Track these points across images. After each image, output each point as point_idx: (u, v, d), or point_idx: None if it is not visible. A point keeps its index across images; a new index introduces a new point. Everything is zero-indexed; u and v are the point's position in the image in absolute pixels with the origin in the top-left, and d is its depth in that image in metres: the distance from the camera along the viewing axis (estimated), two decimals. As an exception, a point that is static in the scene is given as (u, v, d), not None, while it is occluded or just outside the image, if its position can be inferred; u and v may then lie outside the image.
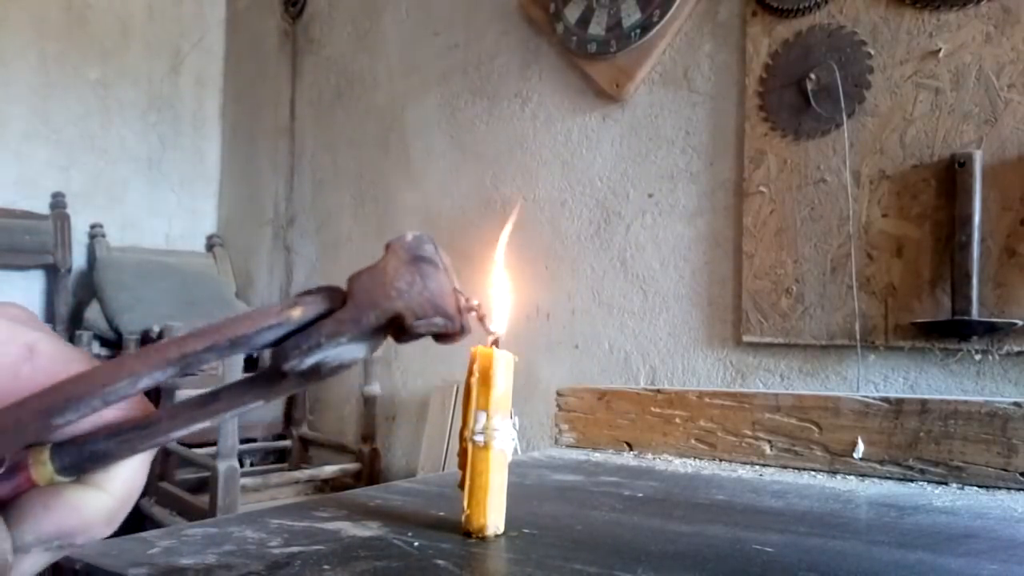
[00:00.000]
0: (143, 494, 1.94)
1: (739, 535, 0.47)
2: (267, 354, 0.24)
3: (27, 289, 2.48)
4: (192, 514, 1.81)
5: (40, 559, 0.23)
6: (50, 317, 2.46)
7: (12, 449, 0.22)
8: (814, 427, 0.73)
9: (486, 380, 0.45)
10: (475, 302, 0.28)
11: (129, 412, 0.24)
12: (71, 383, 0.22)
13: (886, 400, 0.70)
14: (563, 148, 1.92)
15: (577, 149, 1.89)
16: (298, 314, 0.24)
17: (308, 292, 0.25)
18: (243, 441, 2.06)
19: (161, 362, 0.23)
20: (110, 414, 0.23)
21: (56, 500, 0.23)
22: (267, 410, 2.32)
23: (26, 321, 0.24)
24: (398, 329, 0.25)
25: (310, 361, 0.24)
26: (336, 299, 0.25)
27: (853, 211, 1.41)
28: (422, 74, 2.28)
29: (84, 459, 0.23)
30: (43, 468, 0.22)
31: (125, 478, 0.24)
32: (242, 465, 1.98)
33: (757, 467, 0.74)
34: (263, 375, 0.25)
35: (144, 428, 0.24)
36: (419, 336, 0.25)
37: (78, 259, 2.58)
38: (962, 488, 0.64)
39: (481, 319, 0.31)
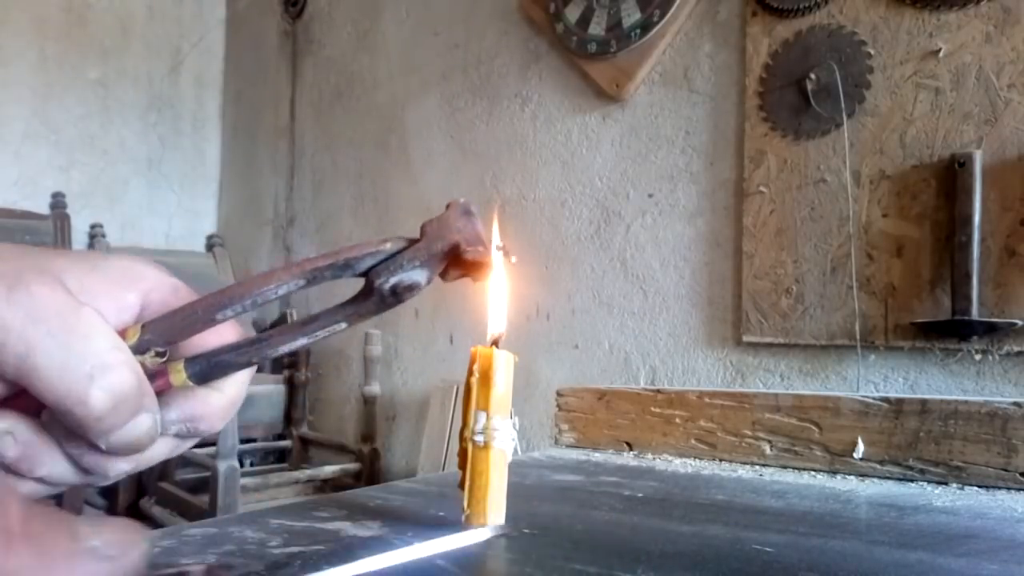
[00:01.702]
0: (143, 494, 1.94)
1: (739, 535, 0.47)
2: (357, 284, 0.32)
3: (27, 289, 2.48)
4: (192, 514, 1.81)
5: (169, 444, 0.30)
6: (50, 317, 2.46)
7: (186, 335, 0.29)
8: (814, 427, 0.73)
9: (486, 380, 0.45)
10: (501, 244, 0.39)
11: (244, 334, 0.31)
12: (231, 288, 0.30)
13: (886, 400, 0.70)
14: (563, 148, 1.92)
15: (577, 149, 1.89)
16: (389, 246, 0.32)
17: (391, 238, 0.32)
18: (243, 441, 2.06)
19: (297, 274, 0.30)
20: (230, 334, 0.31)
21: (190, 393, 0.30)
22: (267, 410, 2.32)
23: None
24: (454, 257, 0.33)
25: (394, 280, 0.31)
26: (412, 240, 0.33)
27: (853, 211, 1.41)
28: (422, 74, 2.28)
29: (211, 368, 0.30)
30: (179, 375, 0.29)
31: (237, 383, 0.31)
32: (242, 465, 1.98)
33: (757, 467, 0.74)
34: (352, 300, 0.32)
35: (256, 344, 0.30)
36: (466, 266, 0.33)
37: (78, 259, 2.58)
38: (962, 488, 0.64)
39: (506, 254, 0.40)
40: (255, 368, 0.32)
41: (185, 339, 0.30)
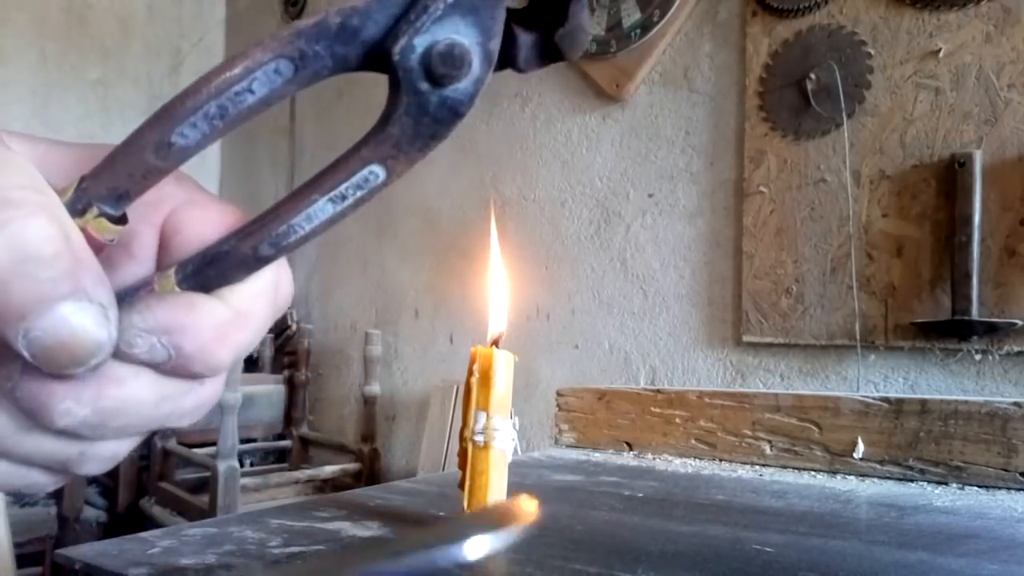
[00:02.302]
0: (143, 494, 1.93)
1: (739, 535, 0.47)
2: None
3: (27, 289, 2.48)
4: (192, 514, 1.81)
5: (145, 379, 0.20)
6: (50, 317, 2.46)
7: (141, 184, 0.21)
8: (814, 427, 0.73)
9: (486, 380, 0.45)
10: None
11: (242, 218, 0.22)
12: (182, 95, 0.21)
13: (886, 400, 0.70)
14: (563, 148, 1.92)
15: (577, 149, 1.89)
16: None
17: None
18: (243, 441, 2.06)
19: (275, 50, 0.20)
20: (228, 219, 0.22)
21: (170, 295, 0.21)
22: (267, 410, 2.32)
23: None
24: (542, 36, 0.23)
25: (420, 44, 0.20)
26: None
27: (853, 211, 1.41)
28: (422, 74, 2.28)
29: (206, 264, 0.21)
30: (166, 282, 0.21)
31: (247, 294, 0.21)
32: (242, 465, 1.98)
33: (757, 467, 0.74)
34: (380, 122, 0.22)
35: (262, 224, 0.21)
36: (552, 53, 0.23)
37: (78, 259, 2.58)
38: (962, 488, 0.64)
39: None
40: (272, 273, 0.22)
41: (141, 191, 0.21)
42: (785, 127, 1.50)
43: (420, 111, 0.21)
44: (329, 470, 2.06)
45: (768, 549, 0.44)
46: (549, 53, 0.24)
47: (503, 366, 0.45)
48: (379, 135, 0.22)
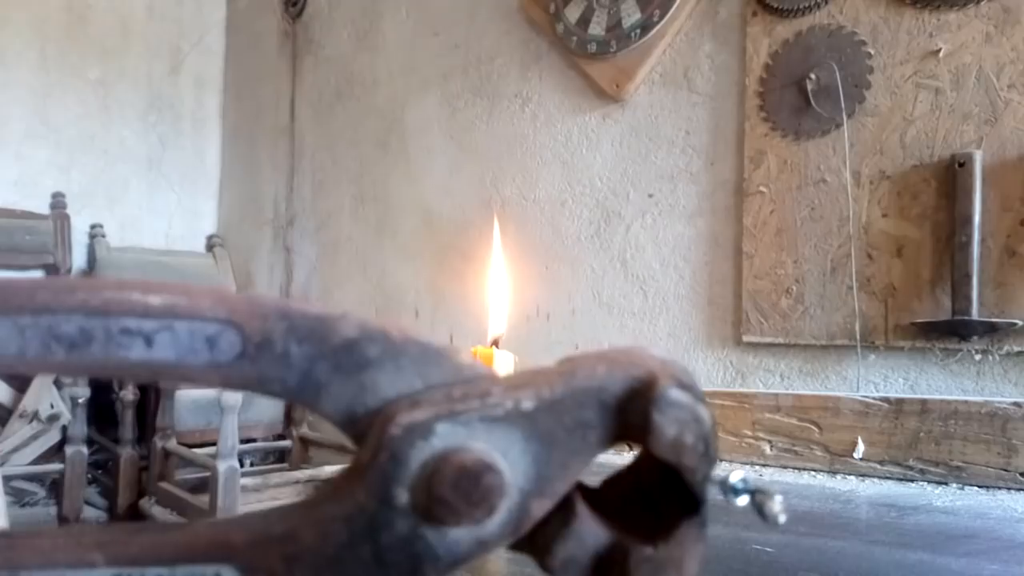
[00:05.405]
0: (143, 494, 1.93)
1: (739, 535, 0.47)
2: None
3: (27, 289, 2.48)
4: (192, 514, 1.80)
5: None
6: (50, 317, 2.46)
7: None
8: (814, 427, 0.73)
9: (486, 380, 0.45)
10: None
11: None
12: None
13: (886, 400, 0.70)
14: (563, 148, 1.92)
15: (577, 149, 1.89)
16: None
17: None
18: (243, 441, 2.06)
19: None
20: None
21: None
22: (267, 410, 2.32)
23: None
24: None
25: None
26: None
27: (853, 211, 1.41)
28: (422, 74, 2.28)
29: None
30: None
31: None
32: (242, 465, 1.98)
33: (757, 467, 0.74)
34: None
35: None
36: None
37: (78, 259, 2.58)
38: (962, 488, 0.64)
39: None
40: None
41: None
42: (785, 127, 1.50)
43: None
44: (329, 470, 2.06)
45: (768, 549, 0.44)
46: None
47: (503, 366, 0.45)
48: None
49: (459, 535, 0.14)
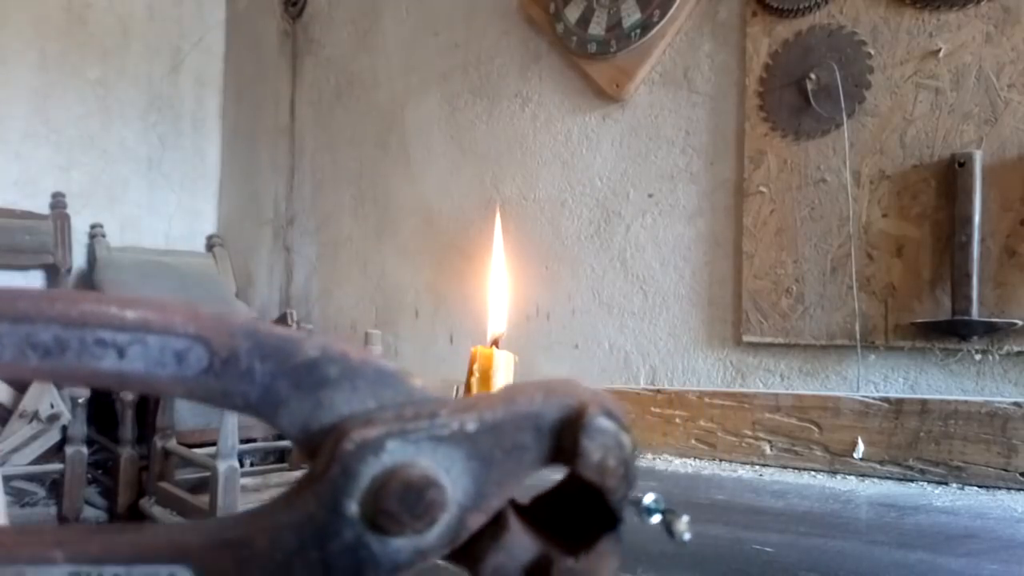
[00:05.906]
0: (143, 494, 1.92)
1: (739, 535, 0.47)
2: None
3: (27, 289, 2.48)
4: (192, 514, 1.80)
5: None
6: (50, 317, 2.46)
7: None
8: (814, 427, 0.73)
9: (486, 380, 0.45)
10: None
11: None
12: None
13: (886, 400, 0.70)
14: (563, 148, 1.92)
15: (577, 149, 1.89)
16: None
17: None
18: (243, 441, 2.06)
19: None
20: None
21: None
22: (267, 410, 2.32)
23: None
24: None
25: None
26: None
27: (853, 211, 1.41)
28: (422, 74, 2.28)
29: None
30: None
31: None
32: (242, 465, 1.98)
33: (757, 467, 0.74)
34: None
35: None
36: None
37: (78, 259, 2.58)
38: (962, 488, 0.64)
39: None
40: None
41: None
42: (785, 127, 1.50)
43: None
44: (329, 470, 2.06)
45: (768, 549, 0.44)
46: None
47: (503, 366, 0.44)
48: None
49: (400, 544, 0.15)
